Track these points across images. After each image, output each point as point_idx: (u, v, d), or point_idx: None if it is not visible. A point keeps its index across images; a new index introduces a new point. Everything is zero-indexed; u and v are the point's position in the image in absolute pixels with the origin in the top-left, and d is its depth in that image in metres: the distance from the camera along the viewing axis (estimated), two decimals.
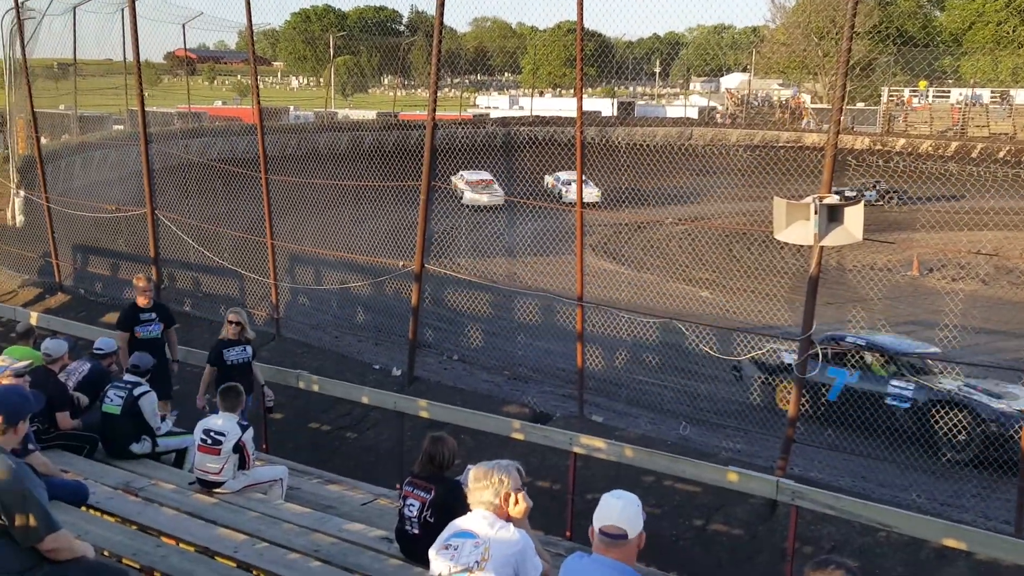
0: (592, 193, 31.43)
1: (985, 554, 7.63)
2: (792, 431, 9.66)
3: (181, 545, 6.20)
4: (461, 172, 34.22)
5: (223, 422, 7.25)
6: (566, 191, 32.80)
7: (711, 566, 8.62)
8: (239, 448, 7.22)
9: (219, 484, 7.19)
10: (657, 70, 79.91)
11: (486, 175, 34.65)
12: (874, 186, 33.73)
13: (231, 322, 9.42)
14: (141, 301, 9.94)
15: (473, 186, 33.29)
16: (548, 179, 35.68)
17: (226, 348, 9.34)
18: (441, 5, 11.52)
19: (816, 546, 8.18)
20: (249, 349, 9.50)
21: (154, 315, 9.96)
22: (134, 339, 9.73)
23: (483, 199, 32.56)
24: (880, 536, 8.21)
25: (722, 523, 9.04)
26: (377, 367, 12.81)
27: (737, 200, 29.86)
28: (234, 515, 6.70)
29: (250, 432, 7.37)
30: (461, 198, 32.59)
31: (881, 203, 31.80)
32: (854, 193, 31.56)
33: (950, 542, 7.47)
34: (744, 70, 70.07)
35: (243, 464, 7.28)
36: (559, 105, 54.94)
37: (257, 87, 14.95)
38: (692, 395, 12.28)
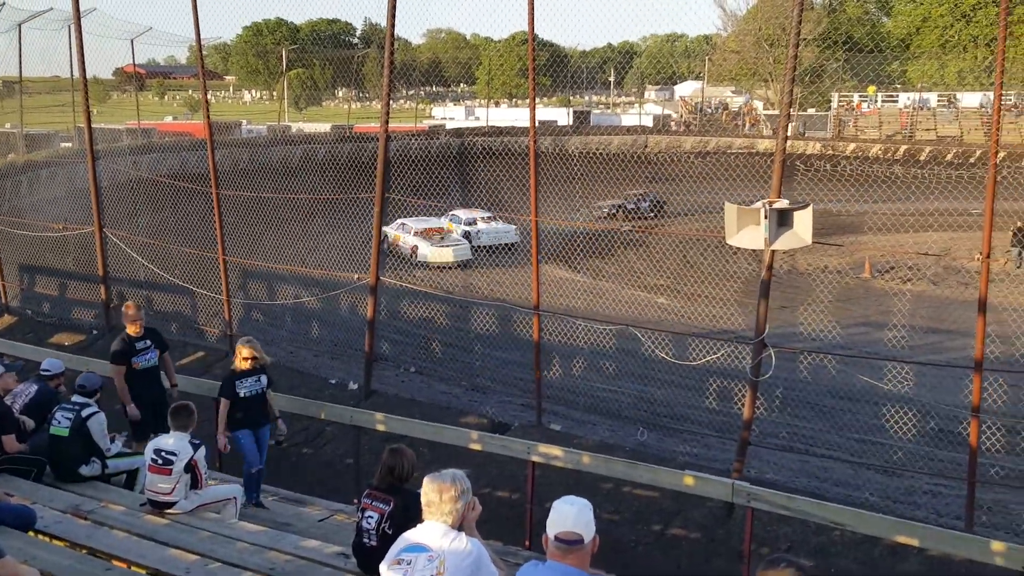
0: (509, 233, 27.53)
1: (937, 549, 7.75)
2: (747, 434, 9.74)
3: (132, 568, 6.09)
4: (401, 220, 27.35)
5: (174, 441, 7.13)
6: (475, 235, 28.42)
7: (670, 570, 8.66)
8: (191, 467, 7.11)
9: (171, 504, 7.07)
10: (612, 79, 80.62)
11: (437, 221, 28.09)
12: (645, 197, 32.23)
13: (245, 357, 8.78)
14: (133, 329, 9.31)
15: (428, 238, 27.15)
16: (437, 220, 28.75)
17: (239, 379, 8.75)
18: (392, 16, 11.52)
19: (772, 546, 8.25)
20: (264, 379, 8.91)
21: (149, 342, 9.38)
22: (131, 371, 9.17)
23: (447, 255, 26.20)
24: (835, 535, 8.30)
25: (680, 527, 9.09)
26: (333, 382, 12.73)
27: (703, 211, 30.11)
28: (186, 535, 6.59)
29: (203, 451, 7.25)
30: (410, 255, 26.64)
31: (654, 214, 31.08)
32: (633, 204, 31.38)
33: (902, 539, 7.59)
34: (697, 78, 70.91)
35: (195, 484, 7.17)
36: (515, 115, 55.11)
37: (207, 101, 14.80)
38: (649, 401, 12.35)
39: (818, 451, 10.86)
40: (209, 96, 15.14)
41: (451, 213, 29.23)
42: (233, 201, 14.77)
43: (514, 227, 26.67)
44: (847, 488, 9.71)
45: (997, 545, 7.21)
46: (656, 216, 31.27)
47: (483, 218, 29.32)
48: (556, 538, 3.85)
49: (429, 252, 26.19)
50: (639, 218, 30.24)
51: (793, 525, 8.48)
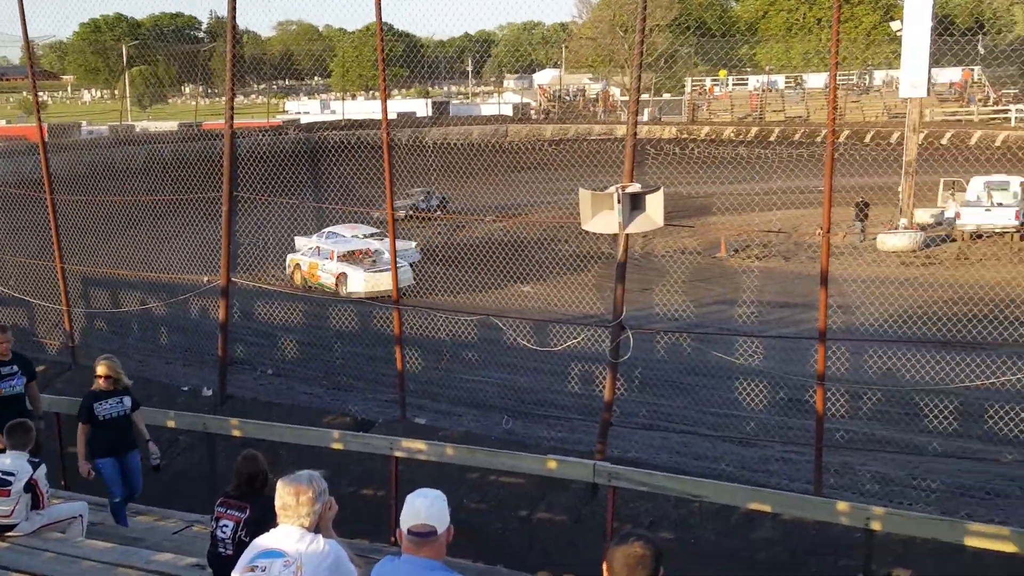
0: (408, 252, 21.22)
1: (789, 514, 8.10)
2: (609, 415, 9.91)
3: None
4: (315, 244, 22.67)
5: (11, 461, 6.74)
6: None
7: (536, 554, 8.74)
8: (31, 487, 6.73)
9: (11, 527, 6.69)
10: (470, 68, 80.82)
11: (363, 241, 22.92)
12: (432, 194, 31.54)
13: (99, 376, 8.15)
14: None
15: (357, 262, 21.87)
16: (306, 241, 23.30)
17: (97, 401, 8.11)
18: (233, 6, 11.15)
19: (635, 523, 8.43)
20: (127, 400, 8.31)
21: (16, 368, 8.53)
22: None
23: (384, 281, 19.02)
24: (694, 507, 8.56)
25: (546, 511, 9.19)
26: (186, 389, 12.27)
27: (559, 193, 30.34)
28: (28, 558, 6.30)
29: (43, 469, 6.88)
30: (335, 287, 21.33)
31: (441, 210, 30.32)
32: (424, 203, 31.28)
33: (755, 505, 7.91)
34: (555, 66, 71.93)
35: (37, 504, 6.79)
36: (372, 108, 54.39)
37: (38, 102, 14.02)
38: (514, 389, 12.45)
39: (677, 427, 11.20)
40: (45, 97, 14.40)
41: (327, 231, 23.94)
42: (73, 206, 14.06)
43: (413, 244, 22.80)
44: (706, 461, 10.03)
45: (842, 505, 7.61)
46: (443, 212, 30.15)
47: (371, 235, 24.07)
48: (409, 531, 3.84)
49: (363, 280, 20.89)
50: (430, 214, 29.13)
51: (655, 500, 8.69)
